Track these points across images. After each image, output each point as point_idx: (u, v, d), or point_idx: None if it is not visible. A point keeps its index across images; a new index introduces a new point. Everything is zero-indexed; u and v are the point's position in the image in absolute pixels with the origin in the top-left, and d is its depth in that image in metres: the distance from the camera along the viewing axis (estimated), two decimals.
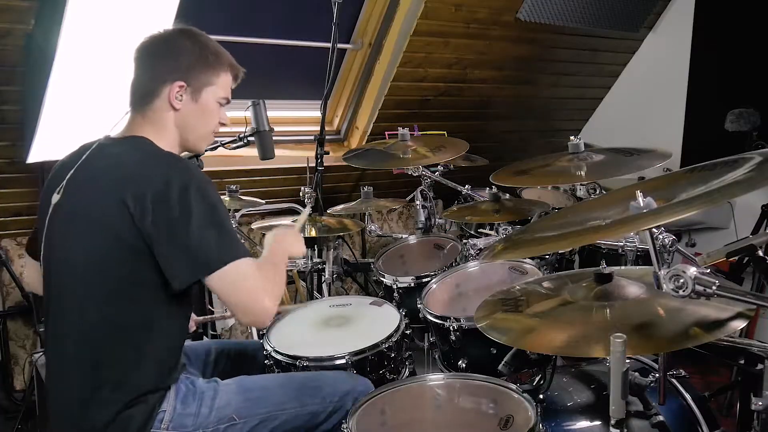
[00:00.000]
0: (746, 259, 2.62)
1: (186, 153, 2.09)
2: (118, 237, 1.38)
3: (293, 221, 1.99)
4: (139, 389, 1.43)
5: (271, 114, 2.30)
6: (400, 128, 2.64)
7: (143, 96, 1.52)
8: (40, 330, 2.73)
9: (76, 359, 1.43)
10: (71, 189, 1.47)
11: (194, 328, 2.02)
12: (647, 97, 4.29)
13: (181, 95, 1.52)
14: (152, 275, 1.40)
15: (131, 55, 1.54)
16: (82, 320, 1.42)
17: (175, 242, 1.37)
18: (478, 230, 2.95)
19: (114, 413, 1.40)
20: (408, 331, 1.91)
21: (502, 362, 1.57)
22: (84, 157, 1.49)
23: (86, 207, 1.44)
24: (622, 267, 1.95)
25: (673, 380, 1.61)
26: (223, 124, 1.63)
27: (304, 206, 2.69)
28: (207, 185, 1.43)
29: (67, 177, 1.48)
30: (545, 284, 1.56)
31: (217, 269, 1.37)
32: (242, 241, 2.59)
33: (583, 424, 1.58)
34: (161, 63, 1.51)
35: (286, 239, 1.65)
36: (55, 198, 1.48)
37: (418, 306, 1.98)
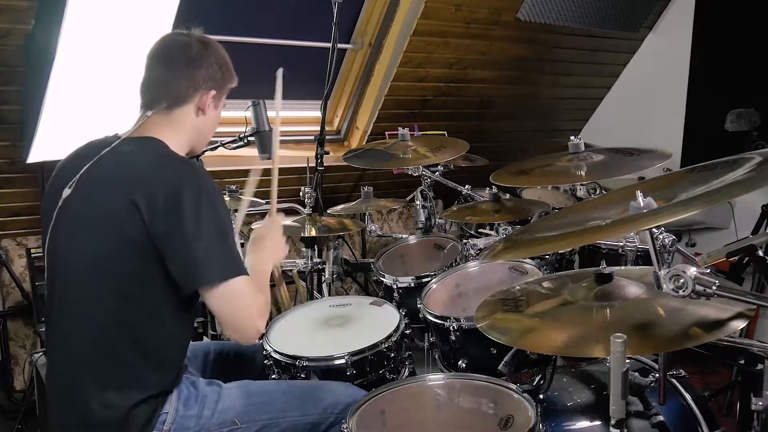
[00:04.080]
0: (746, 259, 2.62)
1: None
2: (125, 236, 1.38)
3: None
4: (144, 391, 1.43)
5: (271, 114, 2.30)
6: (400, 128, 2.64)
7: (175, 99, 1.53)
8: (40, 330, 2.73)
9: (81, 359, 1.43)
10: (82, 185, 1.47)
11: None
12: (647, 97, 4.30)
13: (210, 103, 1.57)
14: (157, 276, 1.40)
15: (151, 56, 1.56)
16: (87, 320, 1.42)
17: (181, 250, 1.38)
18: (478, 230, 2.95)
19: (117, 414, 1.40)
20: (408, 331, 1.91)
21: (502, 362, 1.57)
22: (99, 155, 1.49)
23: (95, 205, 1.44)
24: (622, 267, 1.95)
25: (673, 380, 1.61)
26: None
27: (305, 206, 2.69)
28: (218, 196, 1.44)
29: (81, 172, 1.48)
30: (545, 284, 1.56)
31: (216, 283, 1.38)
32: (242, 242, 2.57)
33: (583, 424, 1.58)
34: (202, 70, 1.54)
35: (267, 248, 1.65)
36: (66, 192, 1.48)
37: (418, 306, 1.98)
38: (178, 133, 1.55)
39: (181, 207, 1.37)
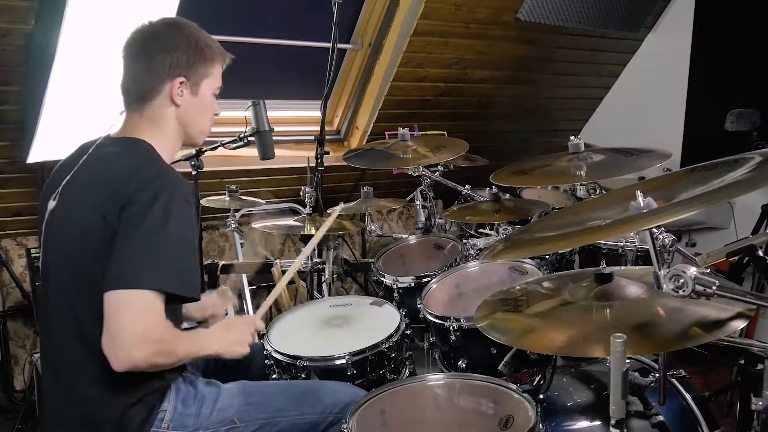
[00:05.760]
0: (746, 259, 2.61)
1: (186, 152, 2.06)
2: (104, 244, 1.35)
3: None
4: (140, 389, 1.43)
5: (271, 114, 2.30)
6: (400, 128, 2.64)
7: (142, 94, 1.50)
8: None
9: (76, 361, 1.42)
10: (67, 193, 1.47)
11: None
12: (647, 97, 4.30)
13: (182, 91, 1.51)
14: None
15: (121, 52, 1.52)
16: (78, 321, 1.41)
17: (115, 247, 1.33)
18: (478, 230, 2.95)
19: (114, 412, 1.40)
20: (408, 331, 1.91)
21: (502, 362, 1.57)
22: (82, 160, 1.48)
23: (77, 210, 1.43)
24: (622, 267, 1.95)
25: (673, 380, 1.61)
26: (215, 114, 1.62)
27: (305, 206, 2.69)
28: (181, 208, 1.37)
29: (65, 181, 1.48)
30: (545, 284, 1.56)
31: (113, 288, 1.29)
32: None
33: (583, 424, 1.58)
34: (158, 60, 1.48)
35: (228, 336, 1.51)
36: (51, 204, 1.48)
37: (418, 306, 1.98)
38: (159, 129, 1.51)
39: (132, 206, 1.33)
